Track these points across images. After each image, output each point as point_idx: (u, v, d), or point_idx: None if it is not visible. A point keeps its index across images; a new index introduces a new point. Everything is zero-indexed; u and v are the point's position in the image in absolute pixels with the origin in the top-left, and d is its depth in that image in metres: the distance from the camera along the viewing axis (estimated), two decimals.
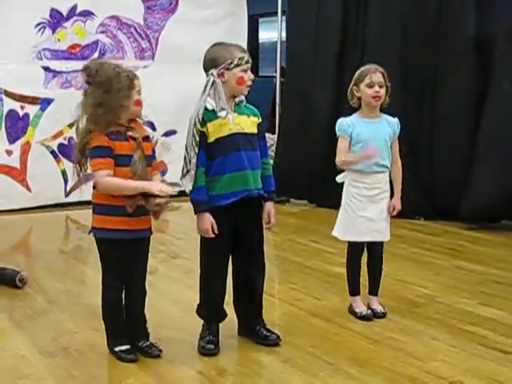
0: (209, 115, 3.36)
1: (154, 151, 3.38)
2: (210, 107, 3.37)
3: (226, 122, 3.37)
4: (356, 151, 3.81)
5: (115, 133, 3.21)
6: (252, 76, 3.42)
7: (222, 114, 3.35)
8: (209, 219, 3.35)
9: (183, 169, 3.36)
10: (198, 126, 3.32)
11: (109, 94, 3.17)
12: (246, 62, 3.39)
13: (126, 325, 3.39)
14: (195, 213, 3.38)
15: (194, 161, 3.31)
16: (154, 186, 3.19)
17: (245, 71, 3.39)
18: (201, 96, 3.37)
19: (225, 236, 3.41)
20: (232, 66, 3.37)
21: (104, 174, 3.17)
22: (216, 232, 3.35)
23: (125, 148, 3.21)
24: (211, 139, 3.35)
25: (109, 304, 3.37)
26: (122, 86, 3.19)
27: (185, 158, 3.34)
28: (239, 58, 3.38)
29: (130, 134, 3.23)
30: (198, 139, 3.32)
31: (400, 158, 3.93)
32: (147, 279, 3.43)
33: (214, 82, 3.35)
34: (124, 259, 3.30)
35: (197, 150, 3.31)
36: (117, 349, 3.34)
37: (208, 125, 3.35)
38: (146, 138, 3.33)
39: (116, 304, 3.36)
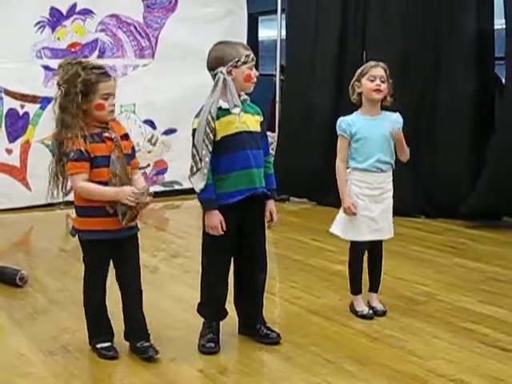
0: (216, 113, 3.36)
1: (133, 149, 3.38)
2: (222, 106, 3.36)
3: (233, 120, 3.37)
4: (357, 148, 3.81)
5: (90, 135, 3.20)
6: (257, 73, 3.45)
7: (236, 110, 3.35)
8: (218, 217, 3.34)
9: (192, 167, 3.33)
10: (212, 124, 3.30)
11: (68, 97, 3.18)
12: (252, 60, 3.42)
13: (107, 323, 3.41)
14: (204, 210, 3.38)
15: (207, 159, 3.28)
16: (122, 194, 3.15)
17: (251, 68, 3.41)
18: (211, 94, 3.35)
19: (229, 235, 3.40)
20: (239, 63, 3.37)
21: (79, 179, 3.19)
22: (224, 229, 3.34)
23: (102, 149, 3.21)
24: (217, 137, 3.34)
25: (91, 303, 3.40)
26: (79, 89, 3.15)
27: (194, 156, 3.31)
28: (246, 56, 3.39)
29: (105, 134, 3.23)
30: (211, 137, 3.30)
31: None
32: (148, 278, 3.43)
33: (224, 80, 3.35)
34: (106, 259, 3.32)
35: (210, 148, 3.29)
36: (98, 346, 3.37)
37: (215, 122, 3.34)
38: (125, 137, 3.32)
39: (98, 303, 3.38)
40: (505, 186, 5.92)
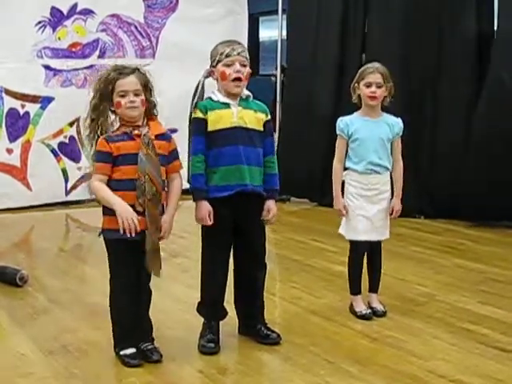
0: (212, 104, 3.39)
1: (172, 151, 3.30)
2: (215, 98, 3.40)
3: (229, 114, 3.38)
4: (353, 148, 3.83)
5: (120, 134, 3.21)
6: (238, 68, 3.36)
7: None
8: (206, 207, 3.35)
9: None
10: (195, 114, 3.40)
11: (92, 98, 3.22)
12: (227, 56, 3.36)
13: (132, 328, 3.33)
14: (194, 200, 3.40)
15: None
16: (122, 214, 3.11)
17: (227, 65, 3.36)
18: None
19: (224, 229, 3.42)
20: (214, 63, 3.39)
21: (96, 178, 3.20)
22: (212, 221, 3.35)
23: (130, 147, 3.18)
24: (210, 128, 3.37)
25: (117, 309, 3.32)
26: (98, 89, 3.20)
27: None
28: (220, 54, 3.37)
29: (135, 132, 3.21)
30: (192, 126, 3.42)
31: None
32: None
33: (198, 83, 3.41)
34: (131, 261, 3.23)
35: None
36: (122, 353, 3.31)
37: (209, 113, 3.37)
38: (161, 136, 3.27)
39: (124, 309, 3.30)
40: (505, 188, 5.94)
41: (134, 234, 3.12)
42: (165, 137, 3.30)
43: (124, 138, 3.20)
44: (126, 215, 3.11)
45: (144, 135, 3.20)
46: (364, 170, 3.81)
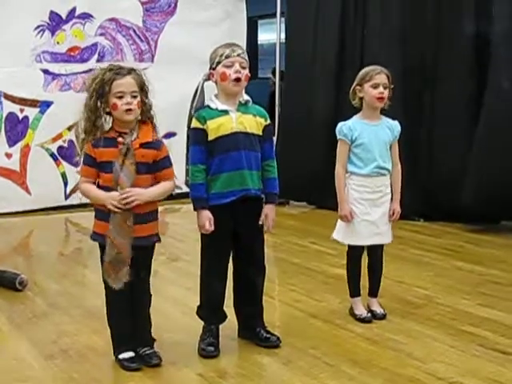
0: (210, 113, 3.38)
1: (160, 160, 3.22)
2: (213, 106, 3.39)
3: (228, 121, 3.38)
4: (357, 153, 3.81)
5: (105, 139, 3.18)
6: (238, 68, 3.34)
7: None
8: (206, 216, 3.35)
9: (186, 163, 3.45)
10: (193, 124, 3.39)
11: (87, 100, 3.19)
12: (226, 57, 3.35)
13: (130, 332, 3.32)
14: (194, 209, 3.40)
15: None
16: (108, 199, 3.12)
17: (227, 66, 3.35)
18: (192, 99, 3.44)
19: (224, 235, 3.42)
20: (214, 65, 3.39)
21: (82, 181, 3.23)
22: (213, 229, 3.35)
23: (111, 154, 3.15)
24: (211, 137, 3.36)
25: (112, 311, 3.32)
26: (94, 90, 3.16)
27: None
28: (220, 55, 3.37)
29: (119, 139, 3.17)
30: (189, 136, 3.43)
31: (400, 161, 3.94)
32: None
33: (198, 84, 3.41)
34: None
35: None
36: (120, 356, 3.30)
37: (208, 122, 3.36)
38: (147, 144, 3.19)
39: (119, 311, 3.29)
40: (504, 189, 5.93)
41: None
42: (152, 145, 3.21)
43: (108, 143, 3.17)
44: (109, 201, 3.11)
45: (124, 144, 3.15)
46: (369, 173, 3.80)
